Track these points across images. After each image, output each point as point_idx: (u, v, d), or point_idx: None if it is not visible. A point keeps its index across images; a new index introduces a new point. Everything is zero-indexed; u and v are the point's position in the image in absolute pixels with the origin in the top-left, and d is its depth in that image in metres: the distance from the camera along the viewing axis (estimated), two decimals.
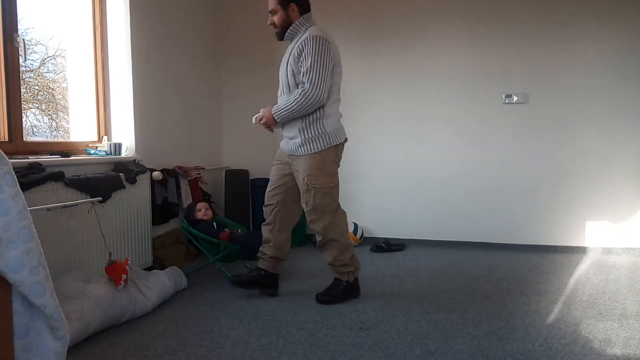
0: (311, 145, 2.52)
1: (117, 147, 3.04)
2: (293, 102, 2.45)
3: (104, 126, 3.18)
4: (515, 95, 3.85)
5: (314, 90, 2.42)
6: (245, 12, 4.30)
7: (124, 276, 2.35)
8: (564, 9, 3.74)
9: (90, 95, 3.12)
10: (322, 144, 2.53)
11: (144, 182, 3.07)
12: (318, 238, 2.69)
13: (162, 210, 3.34)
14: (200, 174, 3.69)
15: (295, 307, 2.59)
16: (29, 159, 2.43)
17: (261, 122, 2.60)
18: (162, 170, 3.29)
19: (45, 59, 3.02)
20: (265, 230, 2.76)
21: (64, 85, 3.18)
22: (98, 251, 2.68)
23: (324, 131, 2.53)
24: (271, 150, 4.34)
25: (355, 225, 3.97)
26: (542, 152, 3.85)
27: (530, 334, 2.22)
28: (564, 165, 3.83)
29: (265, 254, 2.75)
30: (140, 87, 3.23)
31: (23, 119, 2.58)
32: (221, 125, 4.43)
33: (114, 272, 2.36)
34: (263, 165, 4.35)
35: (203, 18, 4.11)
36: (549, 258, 3.65)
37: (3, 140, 2.49)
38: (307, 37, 2.46)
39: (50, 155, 2.65)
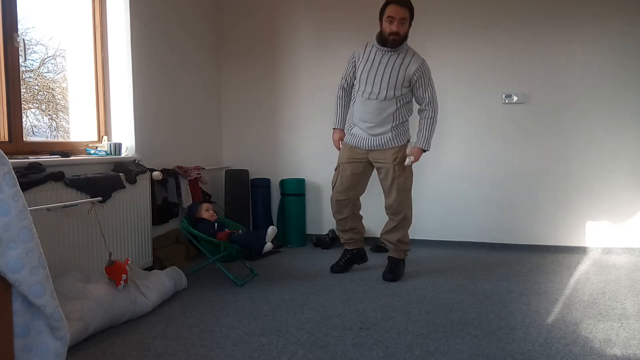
0: (400, 138, 3.05)
1: (117, 147, 3.04)
2: (430, 128, 3.03)
3: (104, 126, 3.18)
4: (515, 95, 3.85)
5: (437, 110, 3.05)
6: (245, 12, 4.30)
7: (124, 276, 2.35)
8: (564, 9, 3.74)
9: (90, 95, 3.12)
10: (406, 138, 3.09)
11: (144, 182, 3.07)
12: (393, 218, 3.12)
13: (162, 210, 3.34)
14: (200, 174, 3.69)
15: (295, 307, 2.59)
16: (29, 159, 2.43)
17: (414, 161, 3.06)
18: (162, 170, 3.29)
19: (45, 59, 3.02)
20: (346, 221, 3.22)
21: (64, 85, 3.18)
22: (98, 251, 2.68)
23: (407, 128, 3.11)
24: (271, 151, 4.38)
25: None
26: (542, 152, 3.86)
27: (530, 334, 2.22)
28: (564, 165, 3.83)
29: (355, 238, 3.28)
30: (140, 87, 3.23)
31: (23, 119, 2.58)
32: (221, 125, 4.43)
33: (114, 272, 2.36)
34: (263, 165, 4.36)
35: (203, 18, 4.11)
36: (549, 258, 3.65)
37: (3, 140, 2.49)
38: (422, 63, 2.97)
39: (50, 155, 2.65)
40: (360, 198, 3.27)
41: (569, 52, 3.76)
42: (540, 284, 2.99)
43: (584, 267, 3.39)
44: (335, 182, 3.19)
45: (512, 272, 3.27)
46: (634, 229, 3.74)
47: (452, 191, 4.02)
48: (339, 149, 3.22)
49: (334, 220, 3.32)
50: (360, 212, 3.31)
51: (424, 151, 3.06)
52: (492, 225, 3.97)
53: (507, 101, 3.88)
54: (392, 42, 2.90)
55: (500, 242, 3.96)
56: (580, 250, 3.82)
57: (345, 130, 3.21)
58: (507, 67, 3.86)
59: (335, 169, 3.22)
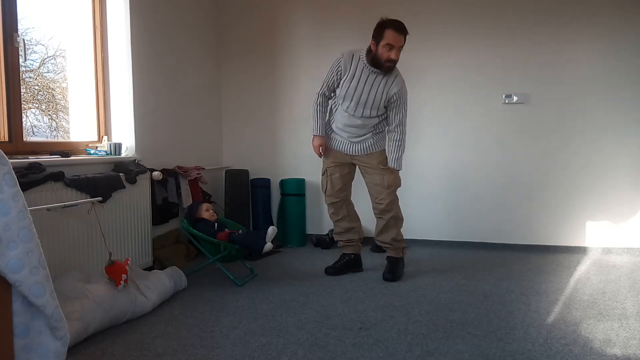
0: (380, 143, 3.17)
1: (117, 147, 3.04)
2: (400, 149, 3.10)
3: (104, 126, 3.18)
4: (515, 95, 3.85)
5: (405, 132, 3.11)
6: (245, 12, 4.31)
7: (124, 276, 2.35)
8: (564, 9, 3.74)
9: (90, 95, 3.12)
10: (384, 143, 3.19)
11: (144, 182, 3.07)
12: (383, 217, 3.15)
13: (162, 210, 3.34)
14: (200, 174, 3.69)
15: (295, 307, 2.59)
16: (29, 159, 2.43)
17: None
18: (162, 170, 3.29)
19: (45, 59, 3.02)
20: (343, 222, 3.24)
21: (64, 85, 3.18)
22: (98, 251, 2.68)
23: (385, 135, 3.19)
24: (271, 151, 4.38)
25: None
26: (542, 152, 3.86)
27: (530, 334, 2.22)
28: (564, 165, 3.83)
29: (353, 239, 3.26)
30: (140, 87, 3.23)
31: (23, 119, 2.58)
32: (221, 125, 4.43)
33: (114, 272, 2.36)
34: (263, 165, 4.36)
35: (203, 18, 4.11)
36: (549, 258, 3.65)
37: (3, 140, 2.49)
38: (402, 86, 3.01)
39: (50, 155, 2.65)
40: (357, 199, 3.32)
41: (569, 52, 3.76)
42: (540, 284, 2.99)
43: (584, 267, 3.39)
44: (327, 186, 3.22)
45: (512, 272, 3.27)
46: (634, 229, 3.74)
47: (452, 191, 4.02)
48: (319, 155, 3.23)
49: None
50: (357, 214, 3.33)
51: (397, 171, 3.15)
52: (492, 225, 3.97)
53: (507, 101, 3.88)
54: (387, 68, 2.91)
55: (500, 242, 3.96)
56: (580, 250, 3.82)
57: (326, 133, 3.23)
58: (507, 67, 3.86)
59: (323, 174, 3.24)
